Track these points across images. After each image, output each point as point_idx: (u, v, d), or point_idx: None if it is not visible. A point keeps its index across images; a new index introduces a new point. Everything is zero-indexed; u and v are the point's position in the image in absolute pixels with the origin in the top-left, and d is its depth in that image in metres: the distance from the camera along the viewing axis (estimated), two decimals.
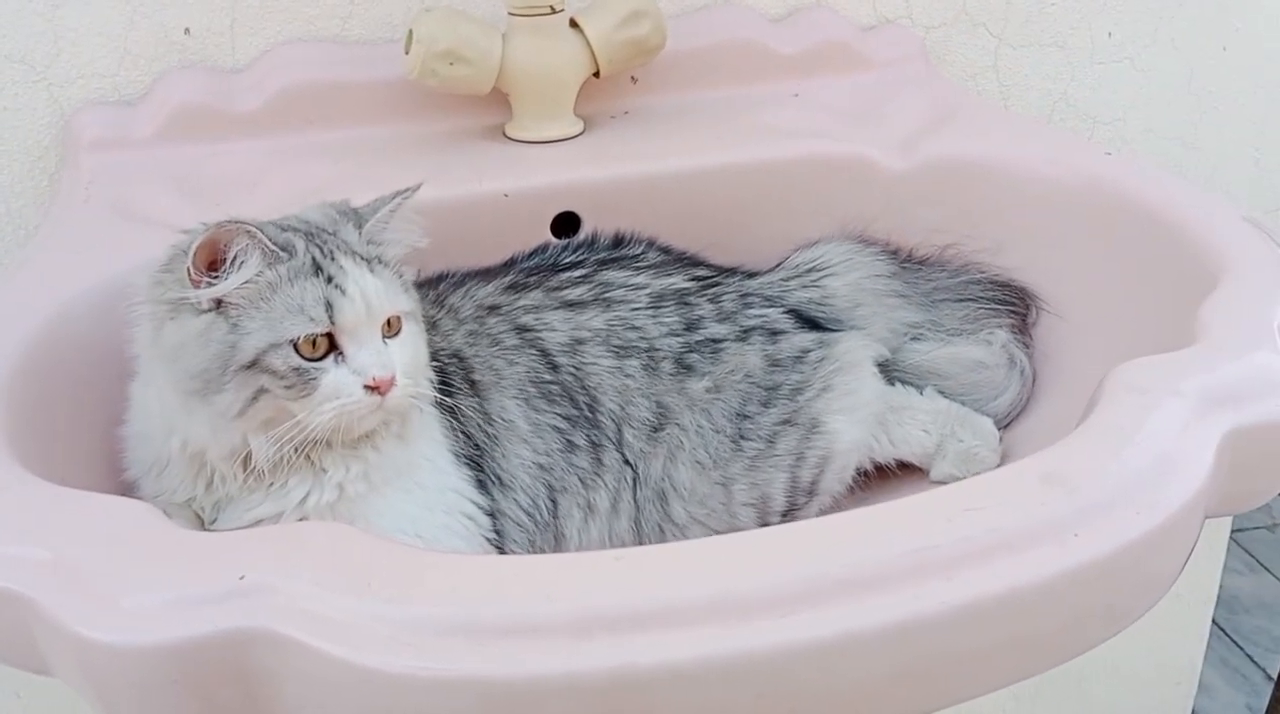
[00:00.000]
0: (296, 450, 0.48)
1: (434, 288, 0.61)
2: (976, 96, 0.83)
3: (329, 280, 0.48)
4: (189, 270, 0.47)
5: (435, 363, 0.56)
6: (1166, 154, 0.93)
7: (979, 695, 0.40)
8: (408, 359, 0.50)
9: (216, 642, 0.37)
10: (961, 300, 0.67)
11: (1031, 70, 0.89)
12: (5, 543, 0.41)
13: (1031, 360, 0.65)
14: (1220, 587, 0.72)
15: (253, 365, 0.47)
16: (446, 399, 0.54)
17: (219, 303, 0.48)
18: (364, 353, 0.48)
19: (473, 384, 0.57)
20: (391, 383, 0.48)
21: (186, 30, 0.73)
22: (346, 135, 0.72)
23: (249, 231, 0.46)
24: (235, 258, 0.47)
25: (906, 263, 0.69)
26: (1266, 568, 1.23)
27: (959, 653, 0.39)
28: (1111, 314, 0.61)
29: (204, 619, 0.37)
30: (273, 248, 0.47)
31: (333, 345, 0.48)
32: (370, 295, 0.49)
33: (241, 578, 0.38)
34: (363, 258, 0.50)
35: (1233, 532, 1.59)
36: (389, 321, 0.50)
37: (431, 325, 0.57)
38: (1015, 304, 0.66)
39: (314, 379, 0.47)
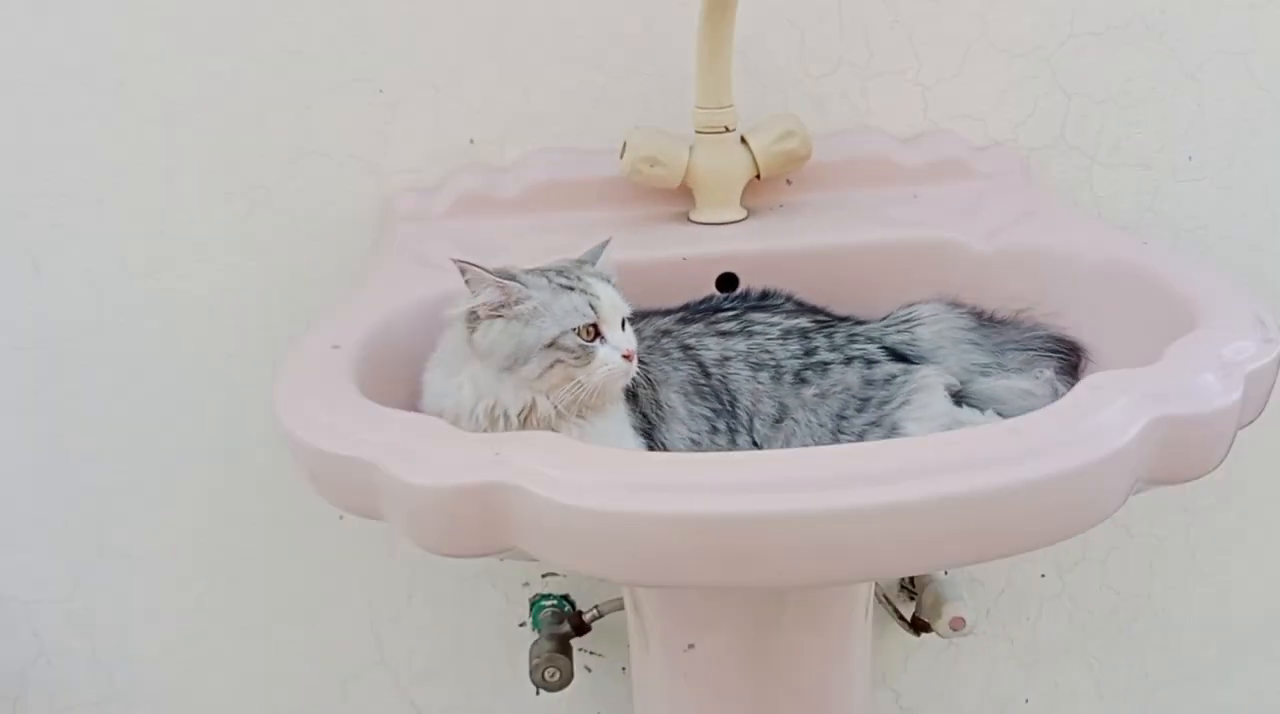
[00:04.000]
0: (565, 408, 0.73)
1: (630, 320, 0.87)
2: (1057, 201, 1.02)
3: (584, 292, 0.74)
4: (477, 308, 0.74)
5: None
6: (1243, 258, 1.10)
7: (951, 565, 0.61)
8: (636, 344, 0.76)
9: (478, 487, 0.62)
10: (1023, 349, 0.87)
11: (1121, 187, 1.08)
12: (360, 435, 0.67)
13: None
14: None
15: (551, 346, 0.73)
16: (634, 389, 0.80)
17: (499, 313, 0.75)
18: (616, 335, 0.74)
19: (650, 382, 0.82)
20: (635, 354, 0.74)
21: (471, 140, 1.04)
22: (577, 216, 1.00)
23: (471, 267, 0.73)
24: (478, 287, 0.73)
25: (985, 321, 0.90)
26: None
27: (936, 530, 0.59)
28: (1130, 360, 0.81)
29: (471, 474, 0.62)
30: (493, 280, 0.73)
31: (597, 332, 0.74)
32: (613, 298, 0.75)
33: (496, 453, 0.63)
34: (602, 278, 0.76)
35: None
36: (623, 320, 0.76)
37: None
38: (1065, 353, 0.86)
39: (592, 351, 0.73)
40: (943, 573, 1.18)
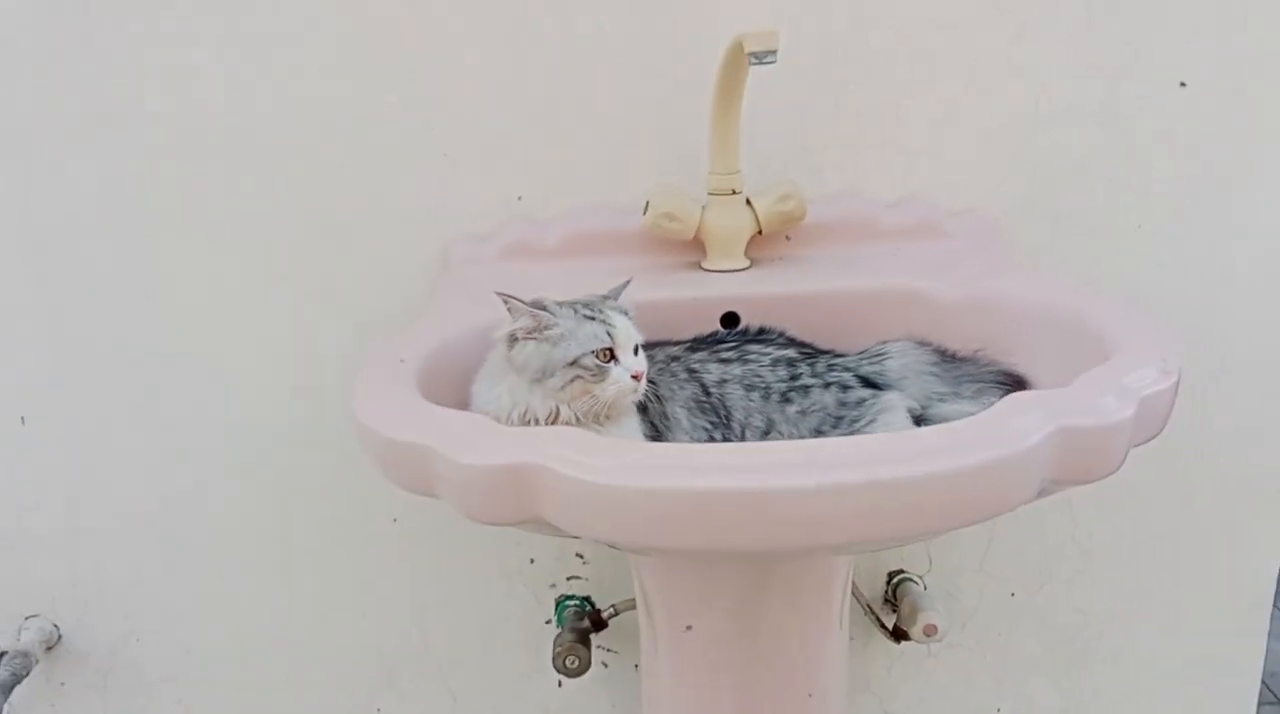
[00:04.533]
0: (584, 415, 0.90)
1: (648, 346, 1.04)
2: (1016, 260, 1.18)
3: (603, 322, 0.90)
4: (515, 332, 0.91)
5: None
6: (1185, 311, 1.26)
7: (893, 535, 0.76)
8: (647, 366, 0.92)
9: (513, 467, 0.78)
10: (976, 381, 1.02)
11: (1081, 249, 1.22)
12: (420, 426, 0.84)
13: None
14: None
15: (572, 364, 0.89)
16: (645, 403, 0.96)
17: (532, 336, 0.92)
18: (628, 358, 0.90)
19: (659, 398, 0.98)
20: (643, 374, 0.90)
21: (519, 198, 1.22)
22: (606, 262, 1.17)
23: (511, 298, 0.90)
24: (516, 315, 0.91)
25: (947, 357, 1.05)
26: None
27: (882, 505, 0.74)
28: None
29: (507, 455, 0.78)
30: (527, 307, 0.90)
31: (612, 355, 0.90)
32: (628, 328, 0.91)
33: (528, 442, 0.80)
34: (621, 311, 0.93)
35: None
36: (636, 346, 0.93)
37: None
38: (1011, 385, 1.01)
39: (606, 370, 0.88)
40: (922, 587, 1.33)
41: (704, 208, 1.14)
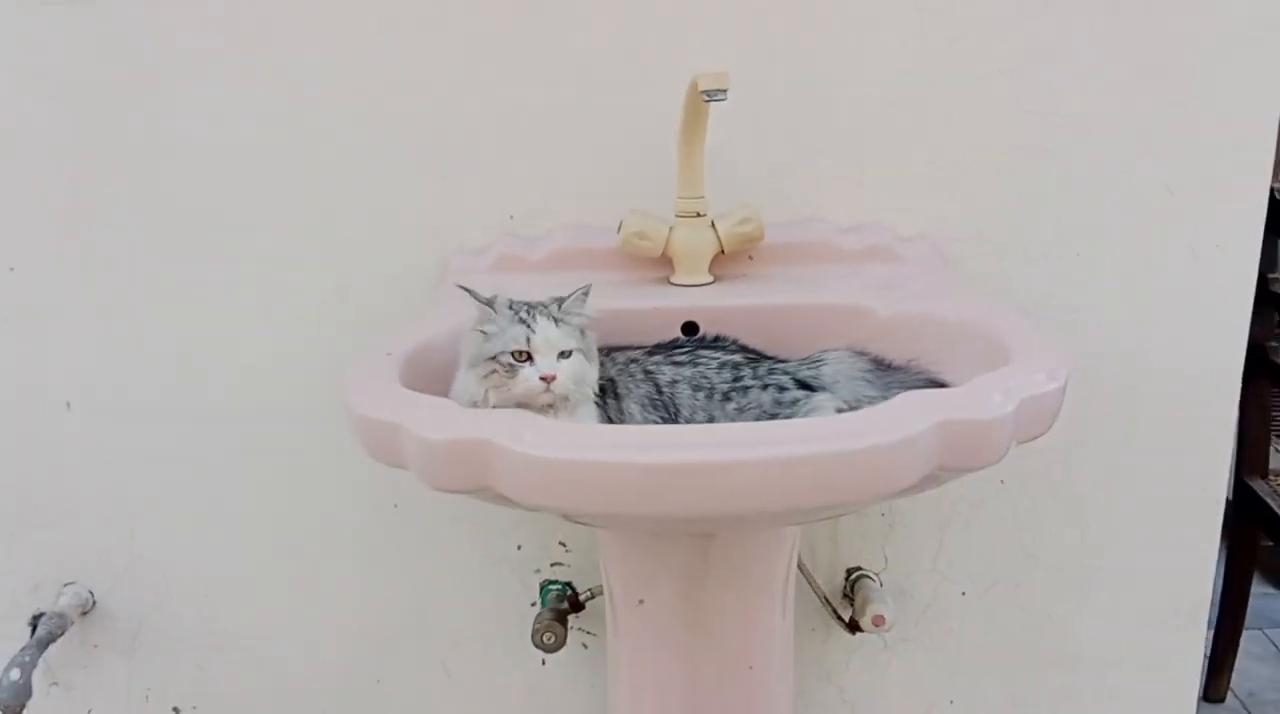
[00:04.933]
0: (502, 402, 1.00)
1: (612, 351, 1.16)
2: (957, 281, 1.29)
3: (528, 327, 1.01)
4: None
5: (602, 381, 1.11)
6: (1121, 330, 1.36)
7: (797, 507, 0.88)
8: (569, 371, 1.02)
9: (464, 441, 0.90)
10: (905, 387, 1.12)
11: (1025, 275, 1.34)
12: (392, 407, 0.98)
13: None
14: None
15: (492, 358, 1.01)
16: (604, 398, 1.09)
17: (478, 328, 1.05)
18: (544, 362, 1.00)
19: (617, 395, 1.11)
20: (553, 378, 1.00)
21: (511, 216, 1.36)
22: (585, 276, 1.27)
23: (468, 291, 1.04)
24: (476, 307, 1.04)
25: (881, 366, 1.17)
26: None
27: (778, 480, 0.86)
28: None
29: (461, 431, 0.91)
30: (479, 301, 1.03)
31: (529, 356, 1.02)
32: (550, 335, 1.01)
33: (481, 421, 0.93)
34: (553, 318, 1.05)
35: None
36: (562, 352, 1.04)
37: (603, 364, 1.13)
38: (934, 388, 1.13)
39: (517, 370, 1.00)
40: (877, 583, 1.44)
41: (672, 228, 1.27)
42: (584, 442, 0.88)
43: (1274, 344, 1.86)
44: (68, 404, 1.40)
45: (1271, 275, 1.81)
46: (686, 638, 1.16)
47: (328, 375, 1.38)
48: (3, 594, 1.46)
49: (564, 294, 1.07)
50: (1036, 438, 0.98)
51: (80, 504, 1.44)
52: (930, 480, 0.94)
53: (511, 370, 1.00)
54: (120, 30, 1.28)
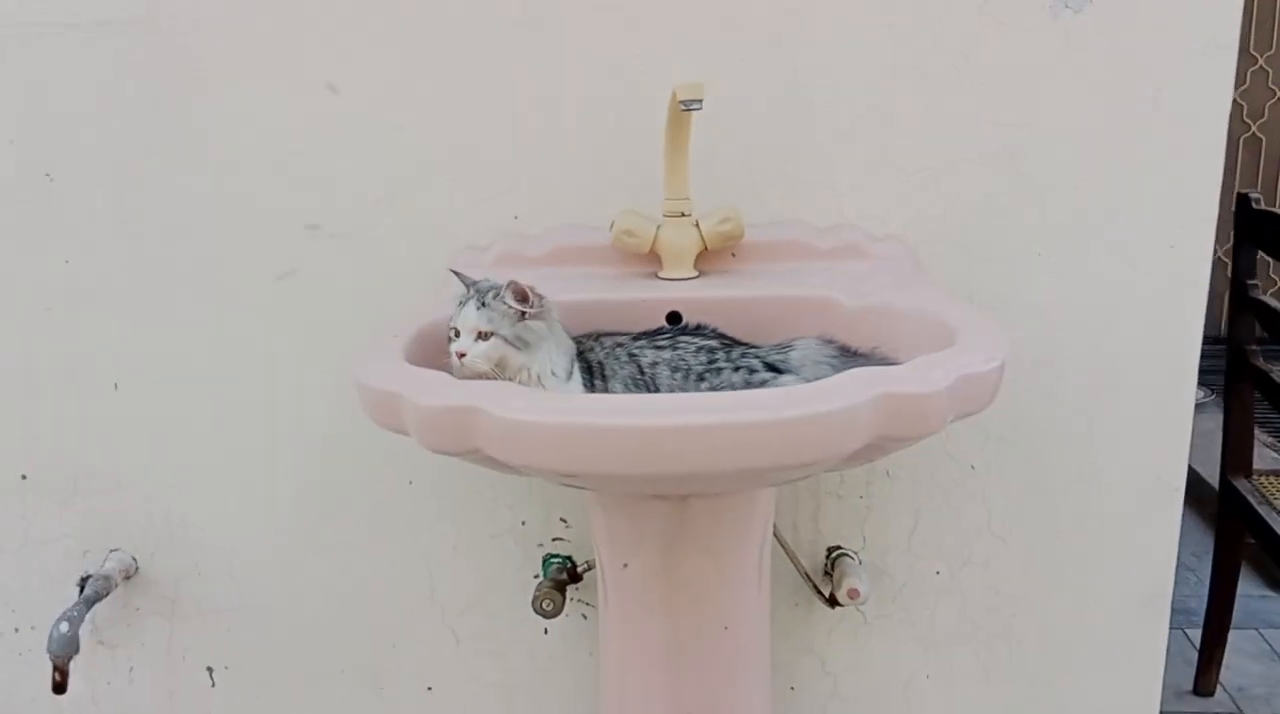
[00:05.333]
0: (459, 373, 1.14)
1: (601, 336, 1.28)
2: (922, 278, 1.40)
3: (460, 307, 1.15)
4: None
5: (591, 364, 1.22)
6: (1081, 326, 1.46)
7: (746, 466, 0.98)
8: (481, 351, 1.13)
9: (454, 407, 1.02)
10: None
11: (990, 274, 1.44)
12: (394, 379, 1.10)
13: None
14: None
15: (451, 329, 1.15)
16: (592, 379, 1.20)
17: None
18: (461, 341, 1.13)
19: (604, 376, 1.23)
20: (462, 355, 1.12)
21: (515, 217, 1.49)
22: (579, 270, 1.41)
23: (457, 274, 1.17)
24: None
25: (847, 352, 1.27)
26: None
27: (728, 443, 0.97)
28: None
29: (452, 399, 1.03)
30: (464, 283, 1.16)
31: (459, 333, 1.14)
32: (470, 317, 1.13)
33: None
34: (481, 302, 1.15)
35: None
36: (481, 333, 1.15)
37: (591, 349, 1.25)
38: None
39: (451, 342, 1.14)
40: (856, 561, 1.54)
41: (659, 227, 1.38)
42: (560, 408, 1.00)
43: (1254, 348, 1.94)
44: (115, 385, 1.54)
45: (1249, 282, 1.90)
46: (667, 599, 1.27)
47: (348, 363, 1.50)
48: (55, 557, 1.60)
49: (499, 283, 1.18)
50: (976, 413, 1.08)
51: (126, 477, 1.58)
52: (875, 449, 1.04)
53: (450, 342, 1.14)
54: (156, 50, 1.42)
